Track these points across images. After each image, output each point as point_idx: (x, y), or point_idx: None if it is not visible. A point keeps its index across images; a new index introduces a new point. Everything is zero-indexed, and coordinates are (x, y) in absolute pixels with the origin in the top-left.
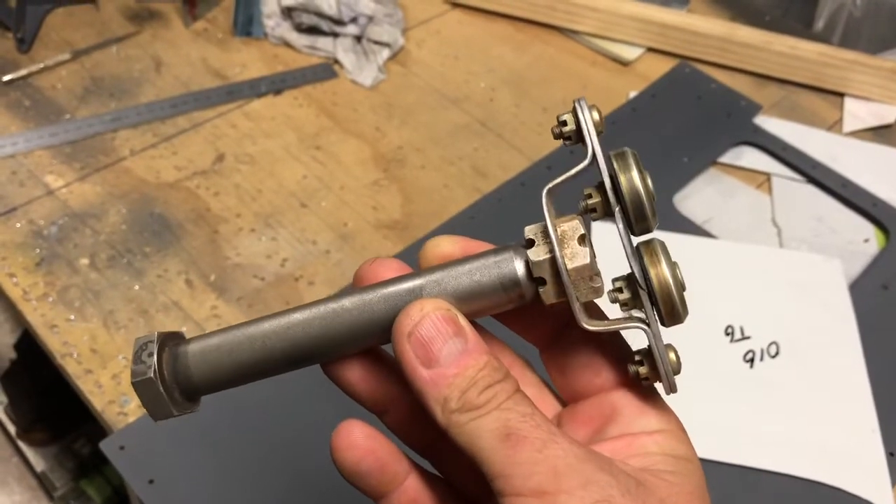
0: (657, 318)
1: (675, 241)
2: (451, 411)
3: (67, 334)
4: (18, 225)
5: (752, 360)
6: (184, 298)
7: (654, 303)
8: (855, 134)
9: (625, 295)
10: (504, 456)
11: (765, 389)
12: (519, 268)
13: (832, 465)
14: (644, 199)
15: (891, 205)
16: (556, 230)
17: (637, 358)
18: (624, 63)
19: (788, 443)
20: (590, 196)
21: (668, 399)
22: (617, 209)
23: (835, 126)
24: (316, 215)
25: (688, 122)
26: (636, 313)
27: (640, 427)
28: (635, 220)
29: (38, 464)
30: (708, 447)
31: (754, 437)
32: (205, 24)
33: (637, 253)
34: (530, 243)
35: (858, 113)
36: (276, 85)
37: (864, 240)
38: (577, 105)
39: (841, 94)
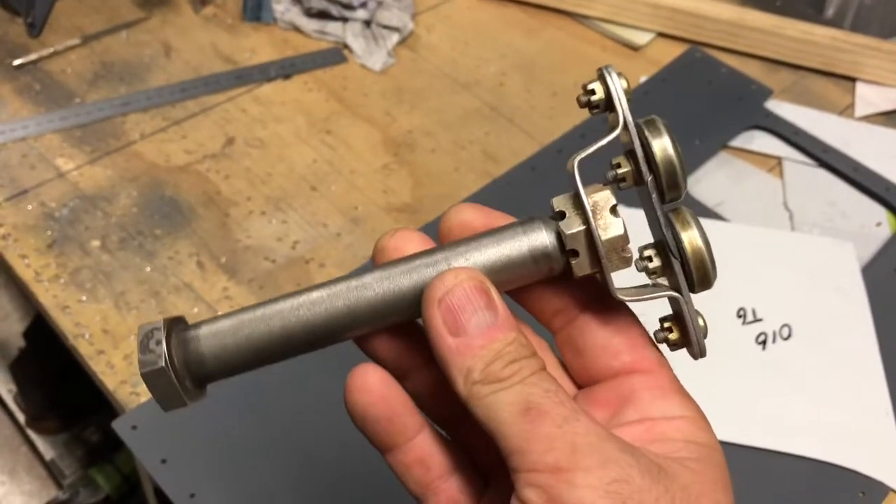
0: (686, 283)
1: None
2: (474, 382)
3: (79, 315)
4: (30, 207)
5: (764, 343)
6: (195, 280)
7: (685, 268)
8: (867, 118)
9: (655, 263)
10: (522, 430)
11: (777, 372)
12: (550, 239)
13: (845, 447)
14: (677, 166)
15: None
16: (589, 201)
17: (665, 325)
18: (634, 48)
19: (801, 425)
20: (618, 165)
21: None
22: (650, 178)
23: (846, 111)
24: (326, 199)
25: (699, 107)
26: (662, 281)
27: (661, 412)
28: (668, 188)
29: (48, 452)
30: (720, 429)
31: (766, 419)
32: (214, 9)
33: (667, 220)
34: (561, 215)
35: (870, 97)
36: (285, 69)
37: (877, 223)
38: (605, 72)
39: (853, 79)
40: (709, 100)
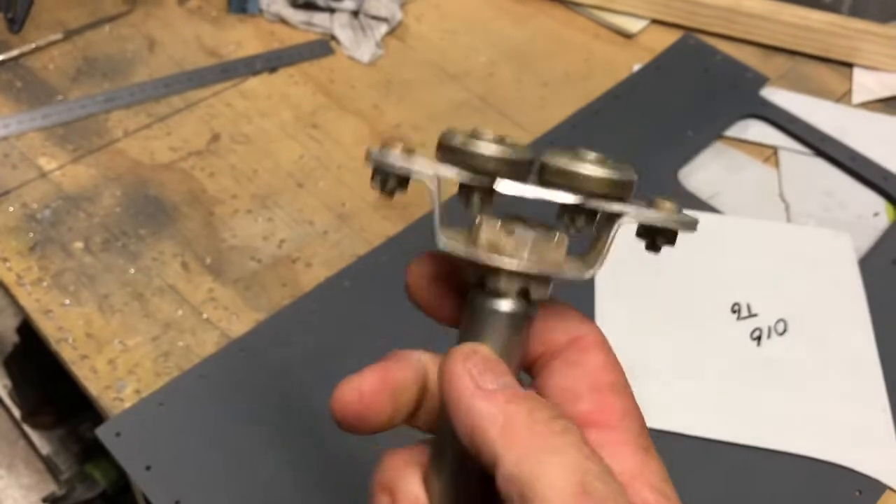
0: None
1: None
2: (519, 429)
3: (62, 319)
4: (11, 209)
5: (759, 338)
6: (179, 281)
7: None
8: (865, 105)
9: (580, 221)
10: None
11: (772, 368)
12: (513, 305)
13: (842, 444)
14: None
15: None
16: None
17: (651, 237)
18: (628, 35)
19: (797, 422)
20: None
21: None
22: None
23: (844, 97)
24: (313, 195)
25: (693, 96)
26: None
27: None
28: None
29: (44, 447)
30: (714, 427)
31: (762, 416)
32: (198, 1)
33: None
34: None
35: (868, 83)
36: (271, 62)
37: (874, 214)
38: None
39: (850, 65)
40: (703, 88)
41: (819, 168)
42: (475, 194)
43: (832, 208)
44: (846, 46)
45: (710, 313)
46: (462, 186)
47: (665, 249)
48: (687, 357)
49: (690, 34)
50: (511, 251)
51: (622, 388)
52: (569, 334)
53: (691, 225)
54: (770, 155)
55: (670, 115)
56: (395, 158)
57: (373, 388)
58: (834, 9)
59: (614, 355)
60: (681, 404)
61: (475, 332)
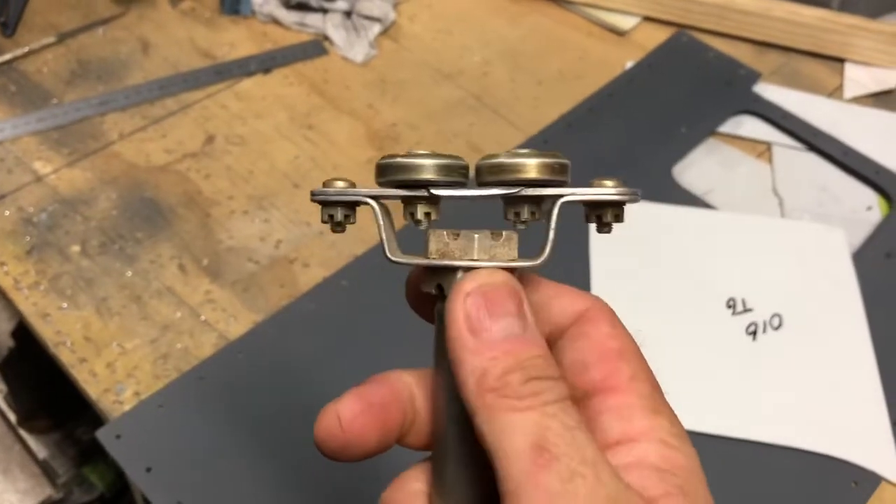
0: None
1: (674, 214)
2: (488, 389)
3: (60, 323)
4: (7, 213)
5: (754, 333)
6: (177, 284)
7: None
8: (856, 100)
9: (524, 213)
10: (525, 473)
11: (768, 362)
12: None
13: (837, 436)
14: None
15: (893, 172)
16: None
17: (598, 216)
18: (620, 33)
19: (792, 416)
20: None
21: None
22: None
23: (836, 92)
24: (309, 196)
25: (686, 92)
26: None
27: (624, 436)
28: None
29: (40, 451)
30: (711, 422)
31: (758, 410)
32: (191, 3)
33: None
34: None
35: (859, 78)
36: (265, 63)
37: (867, 208)
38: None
39: (841, 60)
40: (696, 85)
41: (812, 163)
42: (418, 208)
43: (825, 203)
44: (838, 42)
45: (706, 309)
46: (406, 204)
47: (656, 245)
48: (683, 352)
49: (683, 31)
50: (459, 253)
51: (630, 353)
52: (573, 310)
53: (633, 195)
54: (763, 150)
55: (664, 112)
56: (337, 190)
57: (353, 412)
58: (825, 4)
59: (620, 323)
60: (677, 399)
61: (443, 340)
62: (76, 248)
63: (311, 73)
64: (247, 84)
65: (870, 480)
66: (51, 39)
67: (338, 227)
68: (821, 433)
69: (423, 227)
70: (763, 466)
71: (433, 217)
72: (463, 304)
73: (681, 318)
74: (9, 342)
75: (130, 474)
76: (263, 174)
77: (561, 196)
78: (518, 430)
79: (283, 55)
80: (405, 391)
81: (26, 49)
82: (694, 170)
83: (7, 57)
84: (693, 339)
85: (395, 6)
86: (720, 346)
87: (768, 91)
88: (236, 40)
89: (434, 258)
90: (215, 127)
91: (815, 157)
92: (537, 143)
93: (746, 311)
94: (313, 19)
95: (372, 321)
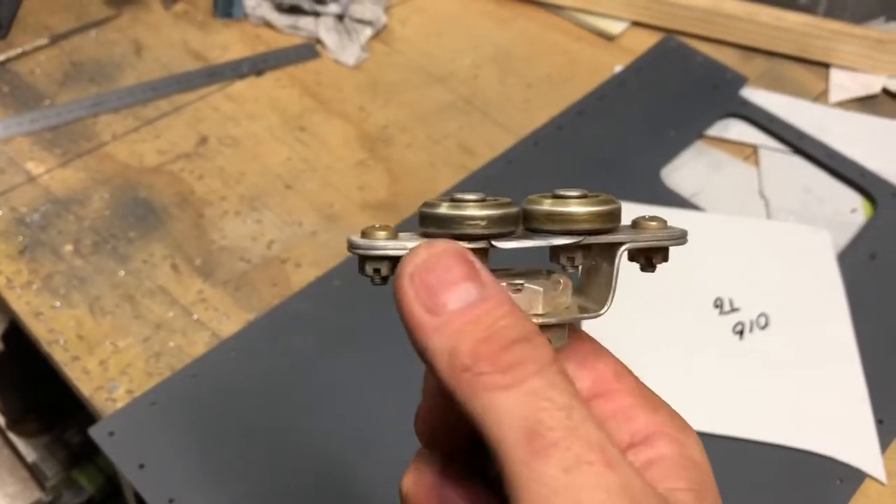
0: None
1: (663, 215)
2: (461, 369)
3: (53, 321)
4: (0, 213)
5: (741, 332)
6: (170, 283)
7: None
8: (841, 104)
9: (578, 259)
10: (523, 460)
11: (754, 361)
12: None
13: (822, 434)
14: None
15: (878, 174)
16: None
17: (648, 258)
18: (609, 37)
19: (778, 413)
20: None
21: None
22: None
23: (821, 97)
24: (301, 197)
25: (674, 96)
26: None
27: (628, 437)
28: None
29: (29, 455)
30: (698, 420)
31: (744, 408)
32: (184, 6)
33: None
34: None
35: (844, 83)
36: (257, 66)
37: (852, 210)
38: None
39: (827, 65)
40: (684, 89)
41: (798, 166)
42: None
43: (811, 205)
44: (823, 47)
45: (694, 308)
46: None
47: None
48: (670, 351)
49: (671, 36)
50: (527, 309)
51: (600, 349)
52: None
53: (683, 238)
54: (750, 153)
55: (652, 115)
56: (384, 243)
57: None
58: (810, 10)
59: (583, 332)
60: (664, 398)
61: None
62: (69, 248)
63: (304, 76)
64: (239, 86)
65: (854, 477)
66: (44, 41)
67: (383, 281)
68: (806, 431)
69: None
70: (748, 463)
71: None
72: (410, 286)
73: (669, 318)
74: None
75: (123, 471)
76: (256, 175)
77: (623, 243)
78: (505, 414)
79: (276, 58)
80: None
81: (19, 50)
82: (682, 172)
83: (0, 58)
84: (680, 338)
85: (387, 10)
86: (707, 345)
87: (755, 95)
88: (229, 43)
89: None
90: (208, 128)
91: (800, 160)
92: (528, 146)
93: (733, 310)
94: (305, 22)
95: (364, 320)
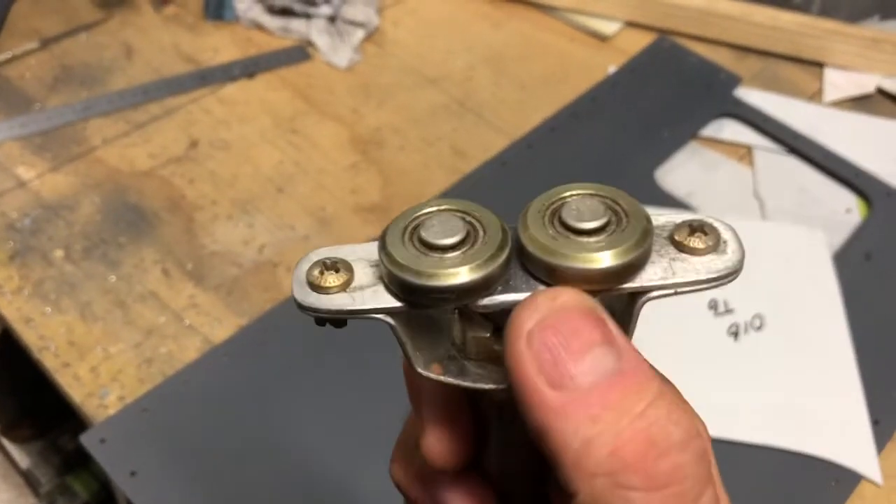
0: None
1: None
2: (597, 472)
3: (44, 328)
4: None
5: (736, 334)
6: (161, 288)
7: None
8: (836, 104)
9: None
10: None
11: (750, 362)
12: None
13: (818, 435)
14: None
15: (872, 174)
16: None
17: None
18: (602, 38)
19: (774, 415)
20: None
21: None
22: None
23: (815, 96)
24: (293, 200)
25: (668, 96)
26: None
27: None
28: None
29: (23, 461)
30: None
31: (740, 410)
32: (175, 8)
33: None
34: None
35: (839, 82)
36: (249, 68)
37: (847, 210)
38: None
39: (821, 65)
40: (678, 89)
41: (792, 166)
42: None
43: (806, 205)
44: (817, 46)
45: (688, 310)
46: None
47: None
48: (665, 353)
49: (665, 36)
50: None
51: None
52: None
53: (735, 273)
54: (744, 154)
55: (646, 116)
56: (336, 302)
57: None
58: (804, 10)
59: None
60: None
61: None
62: (60, 253)
63: (295, 78)
64: (230, 89)
65: (849, 479)
66: (34, 45)
67: (341, 324)
68: (801, 432)
69: (455, 334)
70: (743, 466)
71: (465, 320)
72: (528, 349)
73: (663, 319)
74: None
75: (115, 478)
76: (247, 179)
77: (645, 293)
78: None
79: (267, 60)
80: None
81: (9, 54)
82: (676, 173)
83: None
84: (675, 339)
85: (379, 11)
86: (702, 346)
87: (749, 95)
88: (220, 45)
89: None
90: (199, 132)
91: (795, 160)
92: (521, 148)
93: (728, 311)
94: (297, 25)
95: (356, 325)
